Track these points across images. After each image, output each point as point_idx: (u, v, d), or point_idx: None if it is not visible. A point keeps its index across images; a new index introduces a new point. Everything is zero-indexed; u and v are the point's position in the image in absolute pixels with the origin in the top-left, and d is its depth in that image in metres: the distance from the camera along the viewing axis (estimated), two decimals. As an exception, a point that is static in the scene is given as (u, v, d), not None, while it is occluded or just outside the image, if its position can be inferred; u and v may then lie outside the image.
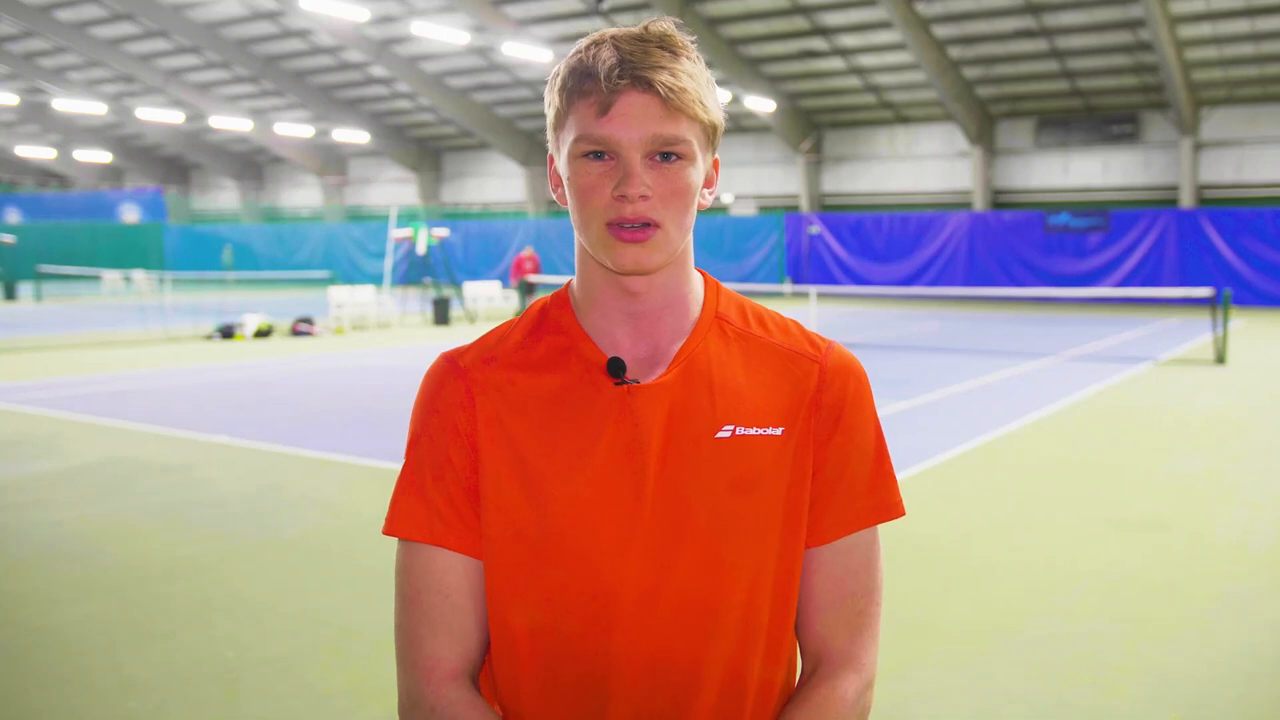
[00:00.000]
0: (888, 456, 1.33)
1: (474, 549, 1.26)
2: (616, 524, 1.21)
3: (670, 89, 1.16)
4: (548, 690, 1.24)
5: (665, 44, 1.19)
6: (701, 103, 1.19)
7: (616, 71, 1.16)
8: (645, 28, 1.20)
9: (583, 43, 1.21)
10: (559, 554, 1.23)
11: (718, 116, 1.23)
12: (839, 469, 1.28)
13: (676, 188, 1.19)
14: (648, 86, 1.16)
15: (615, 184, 1.17)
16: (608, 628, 1.22)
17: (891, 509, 1.31)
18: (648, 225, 1.18)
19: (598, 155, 1.18)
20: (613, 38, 1.19)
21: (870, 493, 1.29)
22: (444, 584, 1.25)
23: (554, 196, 1.28)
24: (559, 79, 1.22)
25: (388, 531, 1.28)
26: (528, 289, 21.71)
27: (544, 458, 1.24)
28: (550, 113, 1.24)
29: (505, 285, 28.01)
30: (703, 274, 1.33)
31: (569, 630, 1.23)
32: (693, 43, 1.22)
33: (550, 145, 1.26)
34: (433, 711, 1.23)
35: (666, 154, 1.18)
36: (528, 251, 22.88)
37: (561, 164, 1.23)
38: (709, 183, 1.27)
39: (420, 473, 1.27)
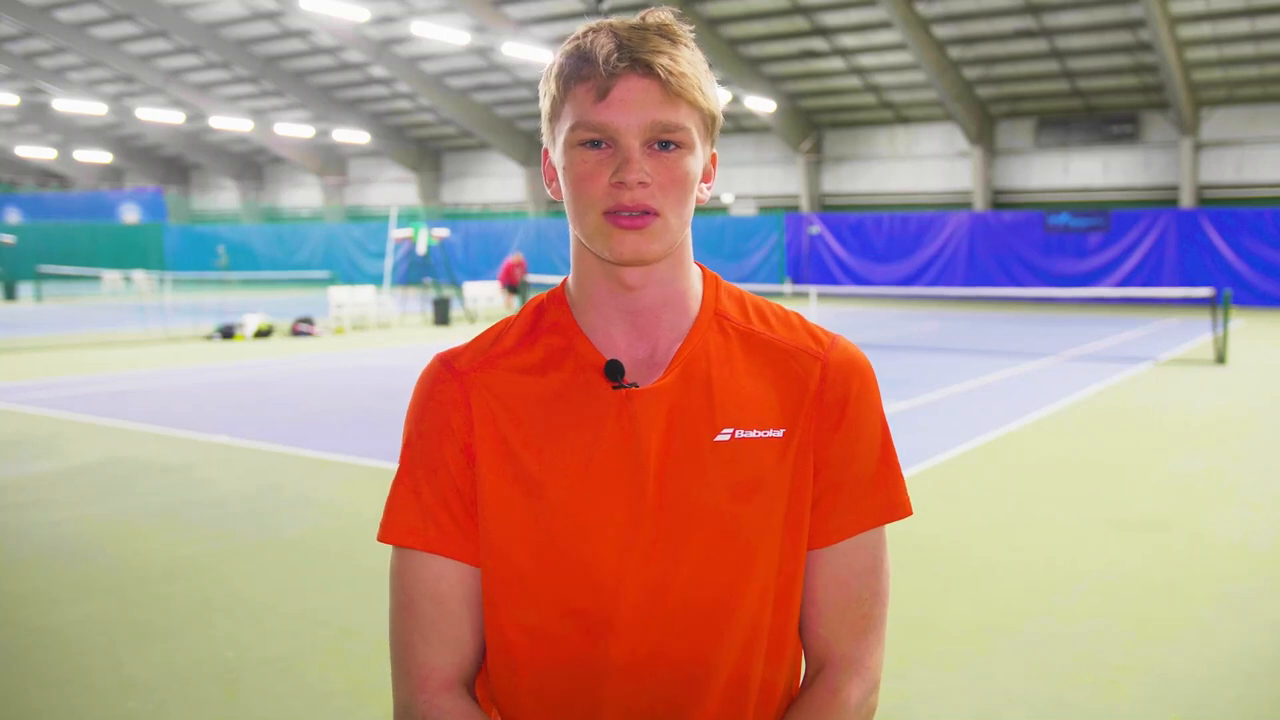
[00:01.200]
0: (894, 454, 1.28)
1: (469, 555, 1.23)
2: (617, 529, 1.19)
3: (670, 73, 1.13)
4: (545, 696, 1.21)
5: (664, 32, 1.16)
6: (701, 90, 1.16)
7: (615, 56, 1.13)
8: (643, 17, 1.17)
9: (579, 31, 1.18)
10: (558, 559, 1.20)
11: (716, 107, 1.20)
12: (843, 468, 1.24)
13: (676, 176, 1.16)
14: (647, 70, 1.13)
15: (613, 171, 1.14)
16: (608, 633, 1.19)
17: (898, 509, 1.27)
18: (647, 213, 1.15)
19: (595, 143, 1.15)
20: (610, 26, 1.16)
21: (875, 492, 1.25)
22: (437, 591, 1.22)
23: (549, 191, 1.24)
24: (555, 66, 1.18)
25: (382, 538, 1.25)
26: (525, 290, 21.72)
27: (542, 462, 1.21)
28: (546, 103, 1.20)
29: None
30: (702, 268, 1.30)
31: (568, 636, 1.20)
32: (690, 33, 1.19)
33: (545, 138, 1.23)
34: None
35: (665, 142, 1.15)
36: (517, 257, 22.95)
37: (557, 154, 1.19)
38: (707, 177, 1.23)
39: (415, 477, 1.25)
